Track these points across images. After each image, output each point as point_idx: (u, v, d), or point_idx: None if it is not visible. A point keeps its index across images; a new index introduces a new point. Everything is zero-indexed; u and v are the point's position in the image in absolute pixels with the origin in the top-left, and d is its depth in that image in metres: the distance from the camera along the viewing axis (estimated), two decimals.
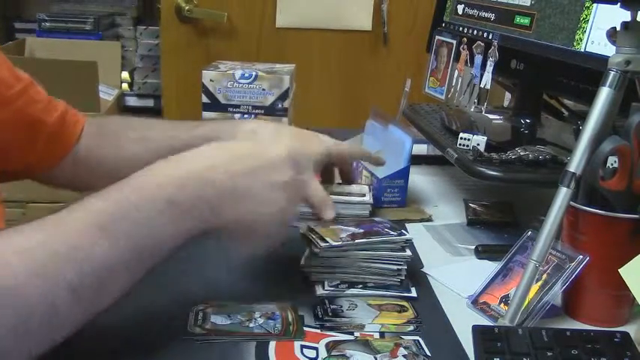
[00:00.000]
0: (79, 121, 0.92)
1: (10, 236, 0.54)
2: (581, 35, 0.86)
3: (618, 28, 0.70)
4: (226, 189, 0.64)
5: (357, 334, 0.69)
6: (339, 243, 0.75)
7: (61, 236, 0.55)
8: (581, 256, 0.70)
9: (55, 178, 0.94)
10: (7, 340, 0.51)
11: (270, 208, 0.66)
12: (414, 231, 0.89)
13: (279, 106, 1.19)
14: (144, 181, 0.62)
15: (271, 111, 1.20)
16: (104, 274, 0.56)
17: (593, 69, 0.80)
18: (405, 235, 0.79)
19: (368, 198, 0.97)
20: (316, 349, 0.66)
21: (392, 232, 0.79)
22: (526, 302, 0.70)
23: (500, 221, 1.01)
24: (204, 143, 0.78)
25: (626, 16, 0.70)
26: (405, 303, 0.75)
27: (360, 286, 0.77)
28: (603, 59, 0.72)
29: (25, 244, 0.54)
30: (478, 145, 0.93)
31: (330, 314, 0.72)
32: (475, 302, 0.77)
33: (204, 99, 1.21)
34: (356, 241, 0.76)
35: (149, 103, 2.45)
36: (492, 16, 1.06)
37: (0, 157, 0.82)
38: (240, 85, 1.19)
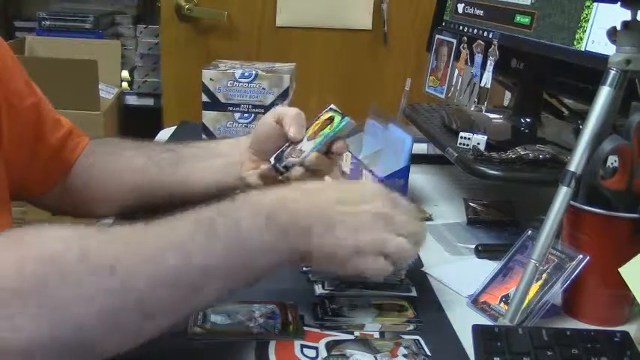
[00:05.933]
0: (78, 146, 0.90)
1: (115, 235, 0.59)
2: (581, 34, 0.86)
3: (618, 28, 0.70)
4: (319, 215, 0.64)
5: (357, 333, 0.69)
6: None
7: (167, 232, 0.59)
8: (581, 256, 0.70)
9: (45, 201, 0.93)
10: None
11: (365, 237, 0.64)
12: None
13: (279, 105, 1.19)
14: (250, 197, 0.64)
15: None
16: (198, 274, 0.58)
17: (593, 68, 0.80)
18: None
19: None
20: (316, 348, 0.66)
21: None
22: (526, 302, 0.70)
23: (500, 220, 1.01)
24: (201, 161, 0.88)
25: (626, 15, 0.70)
26: (405, 302, 0.75)
27: (360, 285, 0.77)
28: (603, 58, 0.72)
29: (127, 235, 0.59)
30: (478, 144, 0.93)
31: (330, 314, 0.72)
32: (475, 302, 0.77)
33: (204, 98, 1.21)
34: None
35: (149, 101, 2.45)
36: (493, 15, 1.06)
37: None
38: (240, 84, 1.19)
